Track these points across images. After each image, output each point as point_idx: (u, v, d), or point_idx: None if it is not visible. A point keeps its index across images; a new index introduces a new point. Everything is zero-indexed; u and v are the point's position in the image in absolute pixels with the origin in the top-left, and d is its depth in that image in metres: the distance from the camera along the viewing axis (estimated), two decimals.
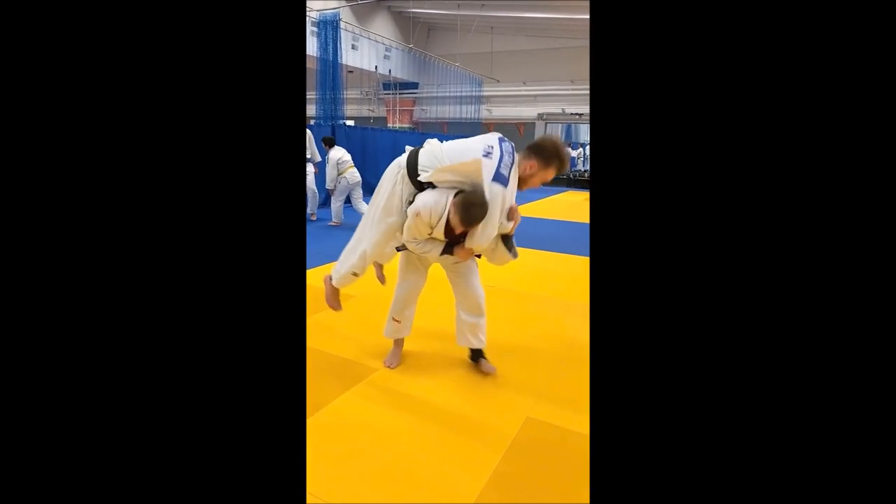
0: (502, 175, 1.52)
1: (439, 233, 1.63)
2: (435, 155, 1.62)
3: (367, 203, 5.41)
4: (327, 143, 5.44)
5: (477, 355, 2.06)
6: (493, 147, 1.57)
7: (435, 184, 1.61)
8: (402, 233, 1.71)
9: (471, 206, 1.51)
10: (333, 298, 1.98)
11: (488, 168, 1.52)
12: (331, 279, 1.96)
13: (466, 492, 1.37)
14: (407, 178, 1.68)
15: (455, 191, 1.57)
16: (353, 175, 5.39)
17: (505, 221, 1.65)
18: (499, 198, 1.53)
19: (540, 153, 1.59)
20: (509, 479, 1.42)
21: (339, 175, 5.33)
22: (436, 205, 1.56)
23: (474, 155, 1.55)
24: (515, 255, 1.76)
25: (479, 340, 1.99)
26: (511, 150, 1.60)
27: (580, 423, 1.74)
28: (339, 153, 5.38)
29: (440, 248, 1.69)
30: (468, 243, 1.64)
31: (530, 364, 2.22)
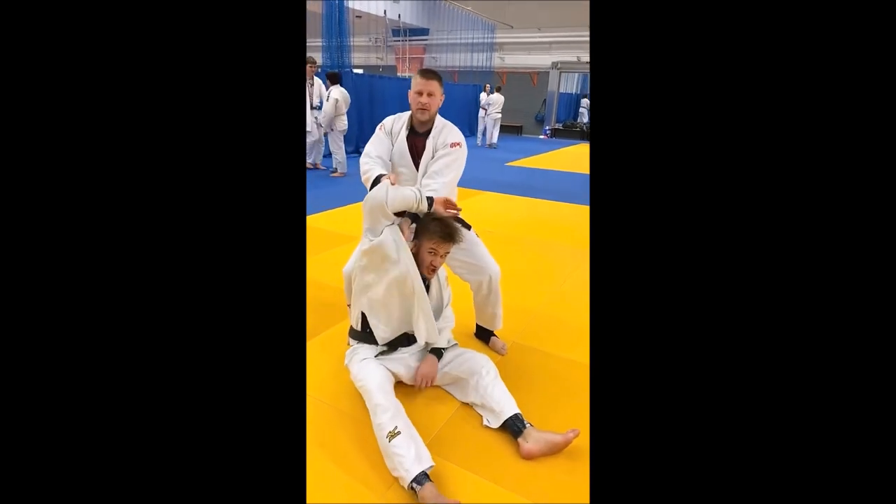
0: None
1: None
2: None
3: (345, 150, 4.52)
4: (332, 78, 5.14)
5: (487, 333, 1.93)
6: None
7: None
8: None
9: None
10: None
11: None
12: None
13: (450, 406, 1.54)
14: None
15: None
16: (342, 122, 5.18)
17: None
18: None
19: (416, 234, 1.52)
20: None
21: (336, 116, 5.11)
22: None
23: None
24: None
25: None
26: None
27: (560, 348, 1.89)
28: (342, 93, 5.13)
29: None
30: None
31: (519, 297, 2.36)
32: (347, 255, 2.88)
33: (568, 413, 1.49)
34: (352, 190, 4.55)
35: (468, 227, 1.68)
